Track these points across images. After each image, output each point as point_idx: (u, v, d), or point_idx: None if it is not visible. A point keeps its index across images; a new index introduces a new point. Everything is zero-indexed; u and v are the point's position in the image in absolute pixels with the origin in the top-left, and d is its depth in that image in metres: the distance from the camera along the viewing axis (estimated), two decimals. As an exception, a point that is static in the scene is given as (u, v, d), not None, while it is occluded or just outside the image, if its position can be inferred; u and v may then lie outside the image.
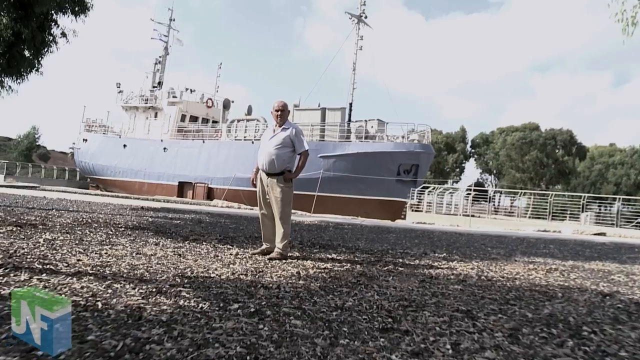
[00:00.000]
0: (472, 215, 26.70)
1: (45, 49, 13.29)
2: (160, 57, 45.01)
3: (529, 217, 26.35)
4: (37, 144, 72.43)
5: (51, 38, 13.48)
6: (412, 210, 26.17)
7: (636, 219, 25.98)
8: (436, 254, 8.24)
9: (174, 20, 45.17)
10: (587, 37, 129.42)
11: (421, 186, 28.27)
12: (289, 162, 6.57)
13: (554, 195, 27.70)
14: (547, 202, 28.37)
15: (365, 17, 36.50)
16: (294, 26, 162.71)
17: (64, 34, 13.67)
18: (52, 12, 13.41)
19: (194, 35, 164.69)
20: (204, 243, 7.17)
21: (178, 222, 10.14)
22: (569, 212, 29.82)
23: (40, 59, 13.32)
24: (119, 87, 44.22)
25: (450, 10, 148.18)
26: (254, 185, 6.89)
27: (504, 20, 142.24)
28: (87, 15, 14.01)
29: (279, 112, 6.64)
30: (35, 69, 13.38)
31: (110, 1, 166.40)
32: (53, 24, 13.57)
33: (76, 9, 13.75)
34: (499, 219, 25.42)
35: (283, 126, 6.64)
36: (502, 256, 8.62)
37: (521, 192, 24.62)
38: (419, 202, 26.99)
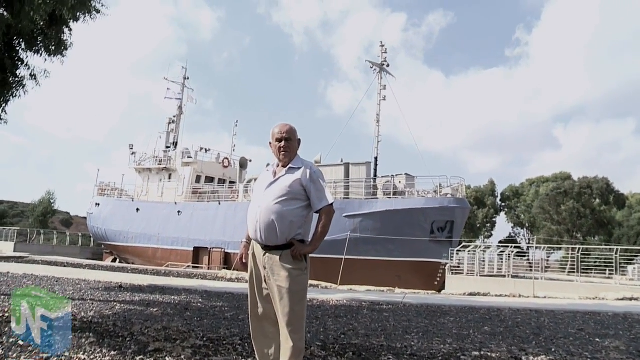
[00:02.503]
0: (518, 278, 23.61)
1: (8, 93, 10.94)
2: (174, 116, 43.07)
3: (566, 273, 23.03)
4: (53, 209, 70.51)
5: (17, 80, 11.17)
6: (453, 273, 23.04)
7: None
8: (531, 358, 5.39)
9: (188, 78, 43.42)
10: (605, 84, 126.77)
11: (461, 245, 25.19)
12: (300, 225, 3.85)
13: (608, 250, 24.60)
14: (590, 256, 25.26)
15: (388, 66, 34.31)
16: (316, 87, 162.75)
17: (33, 76, 11.33)
18: (18, 49, 11.16)
19: (217, 100, 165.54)
20: (167, 358, 4.41)
21: (155, 310, 7.38)
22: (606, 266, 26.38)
23: (2, 104, 10.94)
24: (131, 148, 42.24)
25: (470, 66, 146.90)
26: (244, 265, 4.16)
27: (523, 73, 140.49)
28: (65, 55, 11.74)
29: (283, 143, 3.96)
30: (-4, 115, 10.98)
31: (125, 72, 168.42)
32: (20, 63, 11.29)
33: (51, 47, 11.52)
34: (561, 280, 22.14)
35: (290, 165, 3.96)
36: (628, 355, 5.73)
37: (579, 248, 21.43)
38: (459, 263, 23.86)
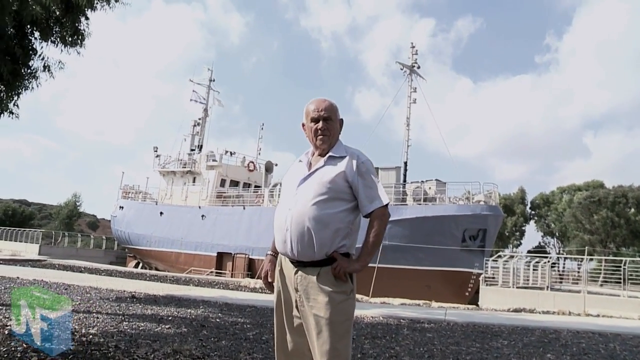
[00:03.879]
0: (557, 290, 22.37)
1: (20, 85, 10.21)
2: (199, 119, 42.49)
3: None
4: (79, 211, 70.62)
5: (29, 71, 10.49)
6: (487, 285, 21.83)
7: None
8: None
9: (213, 80, 42.80)
10: (637, 91, 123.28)
11: (497, 255, 23.97)
12: (345, 234, 2.89)
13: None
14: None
15: (418, 68, 33.26)
16: (343, 93, 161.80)
17: (46, 67, 10.61)
18: (31, 38, 10.47)
19: (244, 106, 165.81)
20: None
21: (167, 327, 6.46)
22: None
23: (13, 96, 10.22)
24: (156, 151, 41.70)
25: (499, 73, 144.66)
26: (269, 285, 3.20)
27: (552, 80, 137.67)
28: (82, 46, 11.02)
29: (321, 123, 3.00)
30: (7, 110, 10.25)
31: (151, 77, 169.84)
32: (33, 54, 10.59)
33: (67, 37, 10.81)
34: (603, 294, 20.75)
35: (330, 154, 3.00)
36: None
37: (626, 260, 20.06)
38: (494, 274, 22.63)
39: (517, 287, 21.30)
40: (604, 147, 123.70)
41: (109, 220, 48.00)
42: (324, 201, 2.84)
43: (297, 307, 2.91)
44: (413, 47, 33.87)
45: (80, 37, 10.86)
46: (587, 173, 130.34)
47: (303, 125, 3.13)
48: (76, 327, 5.91)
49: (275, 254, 3.17)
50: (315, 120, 3.01)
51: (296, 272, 2.89)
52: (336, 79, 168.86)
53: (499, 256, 23.46)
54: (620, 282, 22.42)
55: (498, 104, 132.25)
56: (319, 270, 2.84)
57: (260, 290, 13.83)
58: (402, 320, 8.44)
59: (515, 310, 11.28)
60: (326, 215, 2.82)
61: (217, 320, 7.30)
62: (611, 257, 21.73)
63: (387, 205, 2.93)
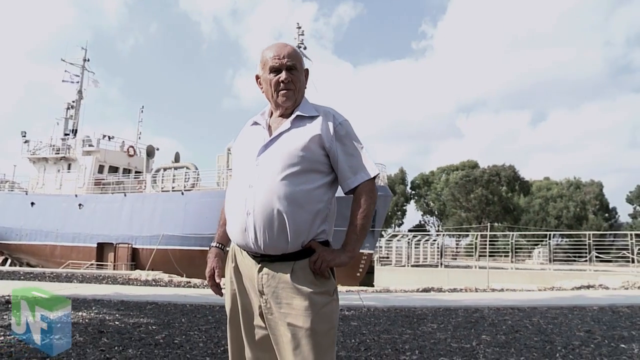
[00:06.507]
0: (449, 267, 22.98)
1: None
2: (73, 101, 39.52)
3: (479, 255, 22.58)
4: None
5: None
6: (381, 265, 21.94)
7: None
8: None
9: (88, 60, 39.91)
10: (504, 78, 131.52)
11: (390, 235, 24.17)
12: (325, 217, 2.22)
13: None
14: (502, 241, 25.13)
15: (305, 48, 32.82)
16: (223, 77, 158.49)
17: None
18: None
19: (122, 89, 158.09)
20: None
21: (56, 337, 5.46)
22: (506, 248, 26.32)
23: None
24: (24, 136, 38.35)
25: (378, 57, 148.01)
26: (216, 288, 2.46)
27: (428, 65, 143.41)
28: None
29: (284, 74, 2.27)
30: None
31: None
32: None
33: None
34: (500, 267, 21.46)
35: (298, 113, 2.30)
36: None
37: (513, 235, 20.88)
38: (387, 254, 22.81)
39: (411, 266, 21.60)
40: (475, 129, 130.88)
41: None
42: (296, 174, 2.14)
43: (261, 314, 2.21)
44: (299, 27, 33.24)
45: None
46: (461, 153, 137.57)
47: (257, 78, 2.40)
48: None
49: (222, 245, 2.44)
50: (275, 70, 2.29)
51: (260, 270, 2.18)
52: (217, 63, 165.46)
53: (394, 235, 23.71)
54: (493, 255, 23.43)
55: (377, 89, 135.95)
56: (292, 266, 2.15)
57: (153, 283, 12.74)
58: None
59: (425, 290, 11.10)
60: (302, 192, 2.12)
61: (117, 323, 6.32)
62: (513, 233, 22.53)
63: (375, 178, 2.28)
